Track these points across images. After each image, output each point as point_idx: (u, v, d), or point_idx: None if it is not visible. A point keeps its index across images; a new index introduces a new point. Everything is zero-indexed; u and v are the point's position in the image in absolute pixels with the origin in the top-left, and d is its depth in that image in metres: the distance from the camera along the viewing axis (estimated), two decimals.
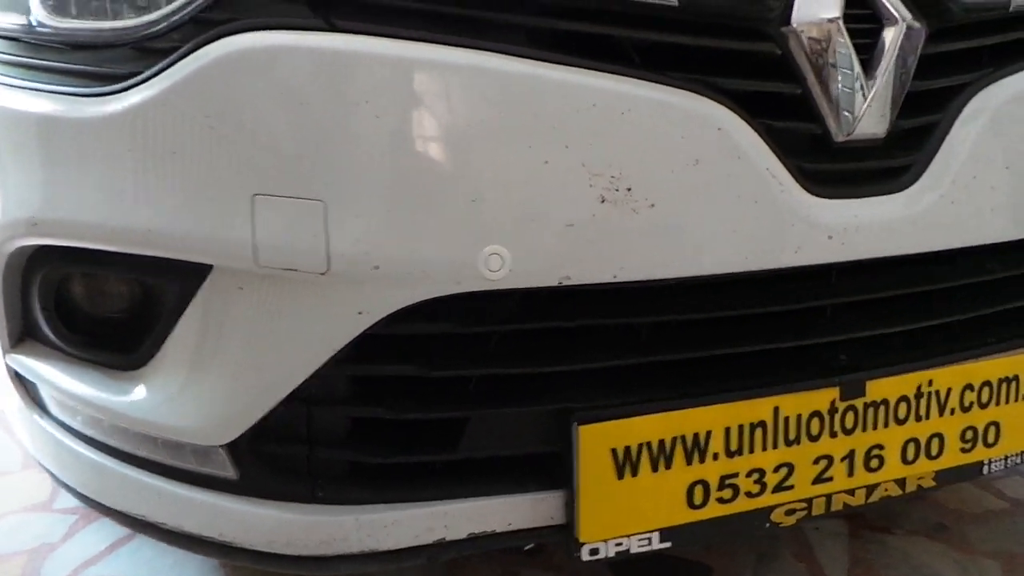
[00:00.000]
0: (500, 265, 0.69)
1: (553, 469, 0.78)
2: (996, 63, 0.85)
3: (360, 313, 0.70)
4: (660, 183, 0.71)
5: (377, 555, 0.79)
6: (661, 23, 0.71)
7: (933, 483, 0.90)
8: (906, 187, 0.80)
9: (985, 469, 0.93)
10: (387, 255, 0.69)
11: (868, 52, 0.76)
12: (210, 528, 0.81)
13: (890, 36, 0.76)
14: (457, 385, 0.77)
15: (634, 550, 0.81)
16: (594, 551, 0.80)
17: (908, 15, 0.76)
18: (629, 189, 0.70)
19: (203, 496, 0.81)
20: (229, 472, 0.79)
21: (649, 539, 0.81)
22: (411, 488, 0.80)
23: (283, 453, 0.80)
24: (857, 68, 0.74)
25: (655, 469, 0.79)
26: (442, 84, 0.68)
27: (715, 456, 0.80)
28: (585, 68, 0.69)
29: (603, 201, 0.70)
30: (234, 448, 0.78)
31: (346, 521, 0.78)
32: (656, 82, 0.71)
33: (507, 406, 0.78)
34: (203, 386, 0.76)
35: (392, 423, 0.78)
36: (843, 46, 0.74)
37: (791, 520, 0.86)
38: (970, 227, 0.84)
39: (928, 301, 0.88)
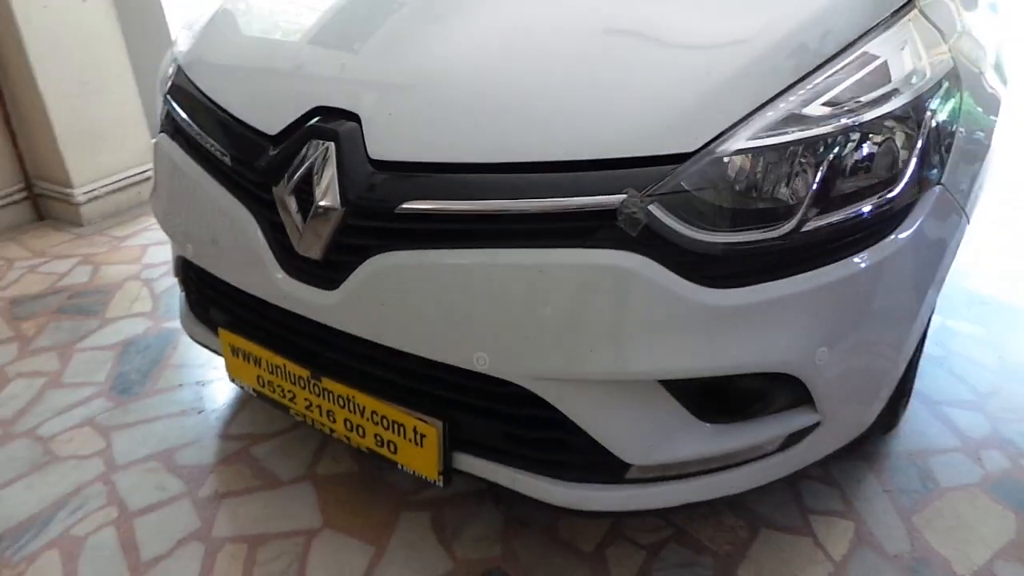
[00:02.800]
0: None
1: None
2: (385, 241, 1.43)
3: None
4: (219, 231, 1.68)
5: None
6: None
7: (366, 451, 1.70)
8: (331, 289, 1.49)
9: (400, 468, 1.67)
10: None
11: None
12: None
13: (314, 210, 1.45)
14: None
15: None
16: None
17: (329, 202, 1.43)
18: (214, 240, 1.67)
19: None
20: None
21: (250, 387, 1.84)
22: None
23: None
24: (299, 221, 1.50)
25: (247, 361, 1.80)
26: None
27: (265, 368, 1.77)
28: None
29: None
30: None
31: None
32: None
33: None
34: None
35: None
36: (293, 209, 1.50)
37: (305, 419, 1.77)
38: (363, 323, 1.50)
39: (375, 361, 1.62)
